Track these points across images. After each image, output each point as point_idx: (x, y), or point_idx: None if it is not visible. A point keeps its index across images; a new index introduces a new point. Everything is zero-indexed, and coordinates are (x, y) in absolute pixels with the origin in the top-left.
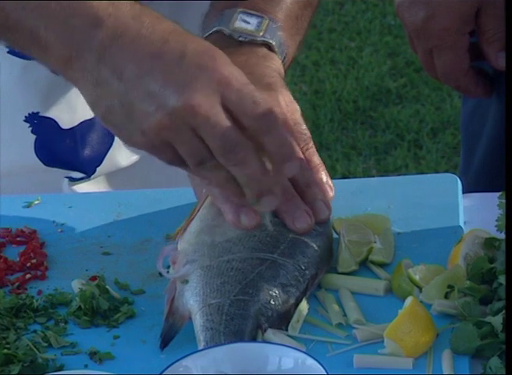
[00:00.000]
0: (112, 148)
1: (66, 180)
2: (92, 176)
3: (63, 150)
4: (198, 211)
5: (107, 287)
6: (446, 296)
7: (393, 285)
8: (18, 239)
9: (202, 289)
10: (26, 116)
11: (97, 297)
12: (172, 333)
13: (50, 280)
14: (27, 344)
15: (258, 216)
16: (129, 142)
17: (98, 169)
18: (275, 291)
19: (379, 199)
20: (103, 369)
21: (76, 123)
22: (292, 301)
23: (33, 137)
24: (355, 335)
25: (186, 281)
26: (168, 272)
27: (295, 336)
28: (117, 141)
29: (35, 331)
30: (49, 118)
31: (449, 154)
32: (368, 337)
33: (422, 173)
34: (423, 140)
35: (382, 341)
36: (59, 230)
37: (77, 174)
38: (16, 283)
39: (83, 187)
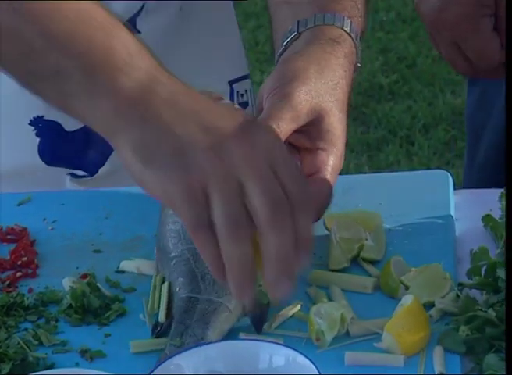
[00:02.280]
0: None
1: (69, 176)
2: (94, 176)
3: (67, 151)
4: None
5: (98, 284)
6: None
7: (381, 283)
8: (8, 237)
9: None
10: (30, 120)
11: (88, 295)
12: None
13: (41, 278)
14: (18, 343)
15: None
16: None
17: (101, 169)
18: None
19: (371, 196)
20: (94, 367)
21: (80, 126)
22: None
23: (37, 139)
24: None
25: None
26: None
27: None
28: None
29: (26, 329)
30: (54, 121)
31: (441, 150)
32: (361, 332)
33: (414, 170)
34: (415, 136)
35: (374, 338)
36: (50, 228)
37: (80, 172)
38: (7, 282)
39: (85, 185)
